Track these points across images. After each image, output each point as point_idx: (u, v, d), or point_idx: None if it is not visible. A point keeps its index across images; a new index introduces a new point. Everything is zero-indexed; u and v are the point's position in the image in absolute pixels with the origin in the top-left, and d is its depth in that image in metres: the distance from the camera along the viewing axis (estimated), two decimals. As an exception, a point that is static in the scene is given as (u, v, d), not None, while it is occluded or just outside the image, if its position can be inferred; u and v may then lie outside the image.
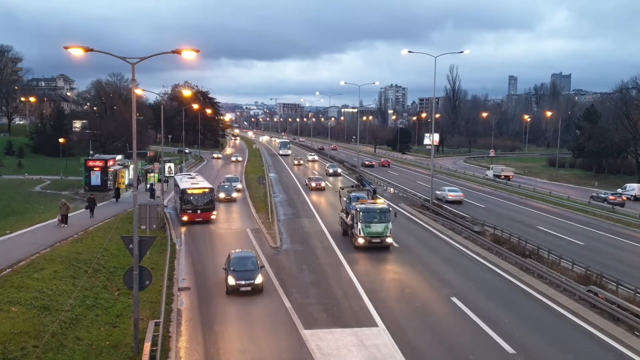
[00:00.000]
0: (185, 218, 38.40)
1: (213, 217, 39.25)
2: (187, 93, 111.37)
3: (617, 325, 20.14)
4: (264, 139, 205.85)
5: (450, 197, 52.54)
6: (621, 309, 20.64)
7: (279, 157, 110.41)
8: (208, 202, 39.18)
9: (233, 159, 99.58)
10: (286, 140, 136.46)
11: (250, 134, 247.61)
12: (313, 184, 58.56)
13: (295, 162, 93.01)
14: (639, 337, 19.08)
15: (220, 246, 32.41)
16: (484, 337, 19.29)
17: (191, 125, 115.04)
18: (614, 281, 24.60)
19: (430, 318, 21.13)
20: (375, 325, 20.13)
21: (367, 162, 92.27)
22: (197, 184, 41.32)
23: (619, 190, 62.49)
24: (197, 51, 18.01)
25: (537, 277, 26.22)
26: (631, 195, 59.75)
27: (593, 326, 20.41)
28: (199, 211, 38.64)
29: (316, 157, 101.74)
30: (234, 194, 50.03)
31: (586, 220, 46.24)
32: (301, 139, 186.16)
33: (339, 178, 71.73)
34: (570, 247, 34.75)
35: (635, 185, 62.74)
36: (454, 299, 23.15)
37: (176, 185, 44.04)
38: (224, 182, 55.17)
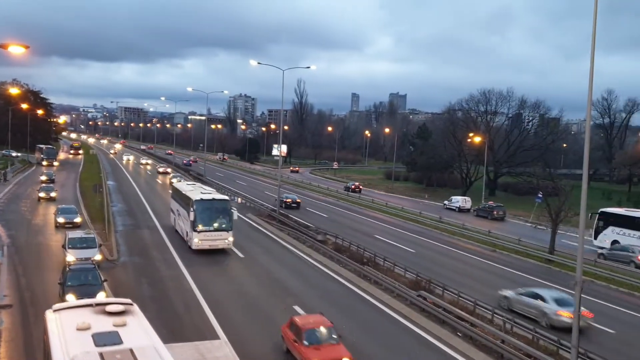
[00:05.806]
0: None
1: None
2: (14, 92, 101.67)
3: (442, 328, 21.89)
4: (129, 158, 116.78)
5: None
6: (446, 312, 22.49)
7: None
8: None
9: (42, 194, 50.59)
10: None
11: (104, 142, 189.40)
12: None
13: None
14: (461, 338, 20.96)
15: (50, 259, 29.85)
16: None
17: (19, 126, 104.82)
18: (440, 286, 26.69)
19: (274, 327, 21.29)
20: (217, 337, 19.78)
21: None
22: None
23: (445, 202, 68.63)
24: (27, 47, 16.48)
25: (373, 284, 27.65)
26: (456, 207, 65.77)
27: (422, 329, 22.02)
28: None
29: None
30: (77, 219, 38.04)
31: (418, 229, 49.89)
32: (142, 147, 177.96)
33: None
34: (404, 254, 37.21)
35: (459, 197, 69.07)
36: (297, 307, 23.61)
37: None
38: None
